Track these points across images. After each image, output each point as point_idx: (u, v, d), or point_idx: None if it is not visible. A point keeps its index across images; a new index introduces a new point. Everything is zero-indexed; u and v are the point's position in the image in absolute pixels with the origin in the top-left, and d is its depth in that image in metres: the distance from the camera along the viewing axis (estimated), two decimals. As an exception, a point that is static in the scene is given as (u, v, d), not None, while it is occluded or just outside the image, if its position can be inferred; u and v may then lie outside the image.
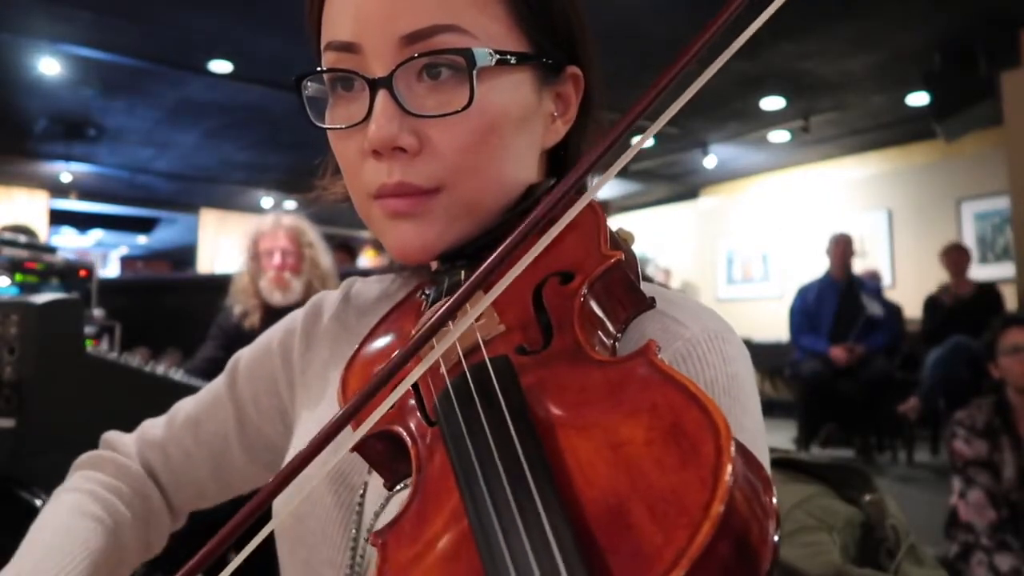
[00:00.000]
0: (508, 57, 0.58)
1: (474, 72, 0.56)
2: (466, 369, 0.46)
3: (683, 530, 0.30)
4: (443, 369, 0.47)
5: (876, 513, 1.08)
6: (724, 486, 0.30)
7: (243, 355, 0.84)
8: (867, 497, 1.10)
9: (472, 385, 0.44)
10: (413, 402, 0.49)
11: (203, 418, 0.82)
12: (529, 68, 0.61)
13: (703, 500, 0.30)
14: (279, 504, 0.62)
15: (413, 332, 0.55)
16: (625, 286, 0.52)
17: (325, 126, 0.62)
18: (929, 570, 1.07)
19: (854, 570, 0.99)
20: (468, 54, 0.56)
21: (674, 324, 0.58)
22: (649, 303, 0.54)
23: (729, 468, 0.31)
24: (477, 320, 0.51)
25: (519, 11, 0.60)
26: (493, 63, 0.57)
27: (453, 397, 0.44)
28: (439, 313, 0.42)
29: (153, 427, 0.85)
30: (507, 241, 0.42)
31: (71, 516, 0.73)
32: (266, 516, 0.42)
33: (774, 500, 0.33)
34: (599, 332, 0.49)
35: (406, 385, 0.41)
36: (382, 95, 0.56)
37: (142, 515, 0.79)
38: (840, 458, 5.28)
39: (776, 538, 0.32)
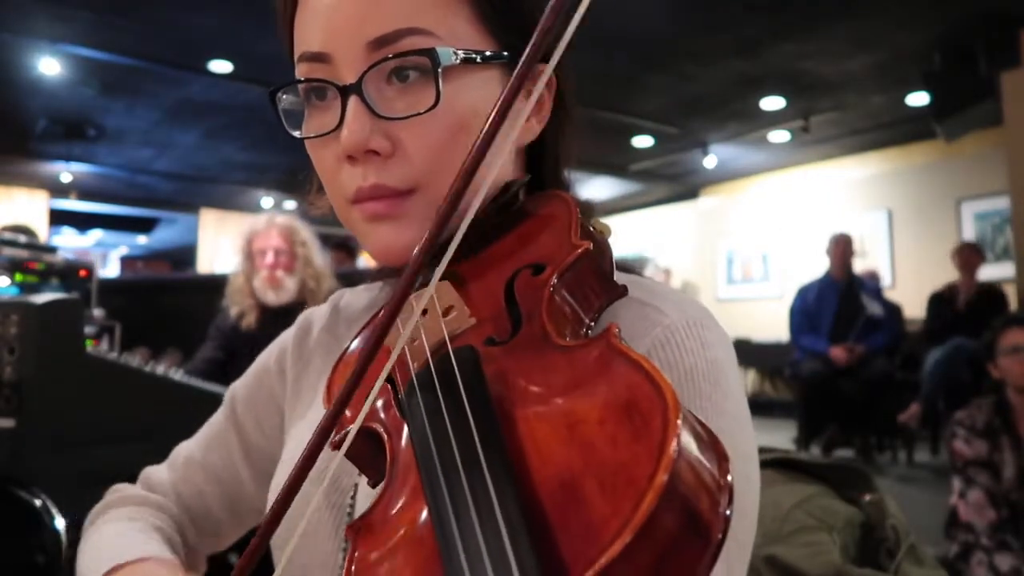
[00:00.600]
0: (474, 56, 0.59)
1: (439, 71, 0.57)
2: (430, 361, 0.47)
3: (628, 501, 0.31)
4: (412, 364, 0.49)
5: (876, 513, 1.08)
6: (668, 457, 0.31)
7: (238, 386, 0.84)
8: (867, 497, 1.10)
9: (435, 374, 0.45)
10: (390, 396, 0.50)
11: (208, 454, 0.82)
12: (497, 66, 0.62)
13: (648, 471, 0.31)
14: (282, 534, 0.62)
15: (375, 323, 0.57)
16: (595, 275, 0.53)
17: (301, 136, 0.63)
18: (929, 570, 1.07)
19: (854, 570, 0.99)
20: (432, 54, 0.57)
21: (653, 312, 0.58)
22: (621, 291, 0.55)
23: (675, 440, 0.32)
24: (447, 315, 0.52)
25: (484, 11, 0.61)
26: (458, 62, 0.58)
27: (416, 388, 0.45)
28: (393, 296, 0.43)
29: (156, 472, 0.84)
30: (441, 207, 0.43)
31: (128, 531, 0.71)
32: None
33: (728, 476, 0.34)
34: (570, 321, 0.50)
35: (379, 385, 0.42)
36: (353, 100, 0.58)
37: (183, 538, 0.78)
38: (840, 458, 5.28)
39: (728, 512, 0.32)
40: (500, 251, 0.59)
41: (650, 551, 0.30)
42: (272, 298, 2.86)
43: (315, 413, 0.72)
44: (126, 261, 13.71)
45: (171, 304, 3.84)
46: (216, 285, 3.03)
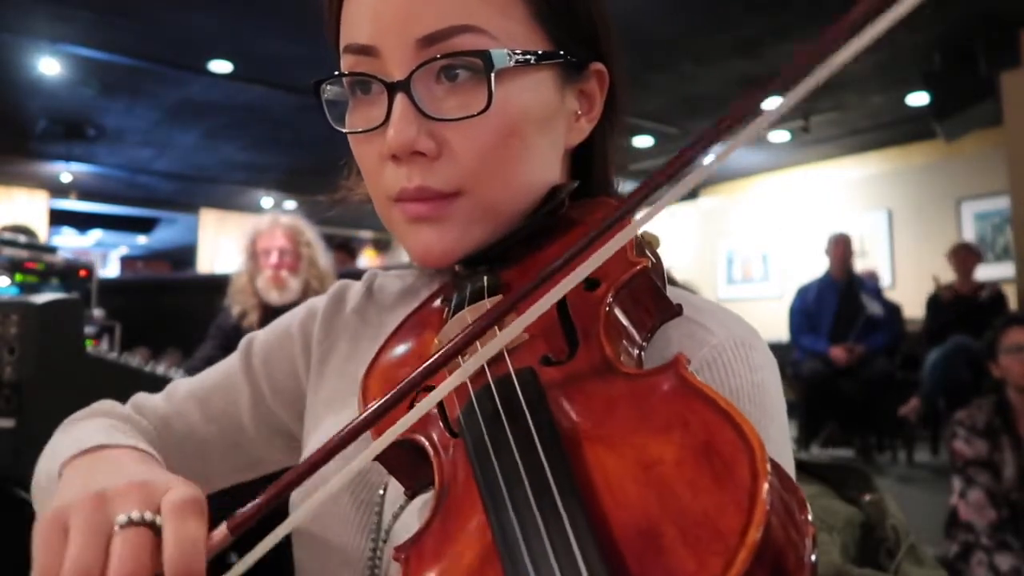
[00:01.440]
0: (527, 57, 0.57)
1: (492, 74, 0.55)
2: (491, 381, 0.44)
3: (718, 556, 0.28)
4: (466, 380, 0.46)
5: (876, 513, 1.08)
6: (761, 511, 0.29)
7: (258, 336, 0.81)
8: (867, 497, 1.10)
9: (497, 399, 0.42)
10: (436, 412, 0.48)
11: (212, 394, 0.79)
12: (550, 67, 0.60)
13: (739, 525, 0.29)
14: (296, 499, 0.61)
15: (436, 347, 0.54)
16: (651, 293, 0.51)
17: (345, 130, 0.61)
18: (929, 570, 1.07)
19: (854, 570, 0.99)
20: (485, 56, 0.55)
21: (700, 330, 0.57)
22: (676, 310, 0.52)
23: (766, 490, 0.30)
24: (500, 328, 0.50)
25: (539, 9, 0.59)
26: (512, 64, 0.56)
27: (478, 411, 0.43)
28: (467, 333, 0.41)
29: (149, 399, 0.80)
30: (548, 267, 0.41)
31: (110, 427, 0.67)
32: (278, 518, 0.42)
33: (809, 517, 0.32)
34: (624, 341, 0.48)
35: (431, 403, 0.40)
36: (400, 98, 0.56)
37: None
38: (840, 458, 5.28)
39: (813, 558, 0.31)
40: (550, 259, 0.57)
41: None
42: (275, 298, 2.86)
43: (343, 406, 0.70)
44: (126, 261, 13.70)
45: (171, 304, 3.84)
46: (216, 285, 3.04)
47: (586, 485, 0.35)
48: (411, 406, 0.42)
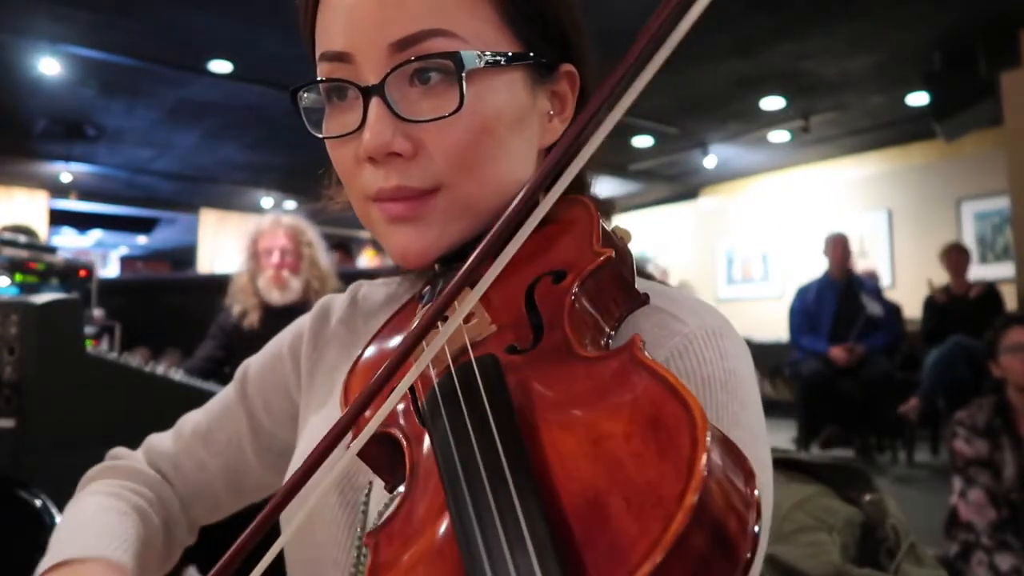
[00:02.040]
0: (497, 58, 0.58)
1: (463, 75, 0.56)
2: (452, 369, 0.46)
3: (657, 521, 0.30)
4: (432, 371, 0.48)
5: (876, 513, 1.08)
6: (698, 476, 0.30)
7: (252, 363, 0.84)
8: (867, 497, 1.10)
9: (457, 384, 0.44)
10: (409, 404, 0.49)
11: (214, 428, 0.82)
12: (521, 68, 0.61)
13: (677, 491, 0.30)
14: (286, 518, 0.62)
15: (403, 335, 0.56)
16: (617, 283, 0.53)
17: (321, 136, 0.63)
18: (929, 570, 1.07)
19: (854, 570, 0.99)
20: (456, 57, 0.56)
21: (672, 320, 0.58)
22: (643, 299, 0.54)
23: (704, 458, 0.31)
24: (468, 321, 0.51)
25: (508, 12, 0.60)
26: (482, 65, 0.57)
27: (439, 397, 0.45)
28: (426, 315, 0.42)
29: (160, 441, 0.84)
30: (489, 235, 0.42)
31: (106, 512, 0.71)
32: (275, 529, 0.43)
33: (756, 492, 0.33)
34: (591, 330, 0.49)
35: (400, 392, 0.42)
36: (375, 102, 0.57)
37: (165, 522, 0.78)
38: (840, 458, 5.27)
39: (756, 529, 0.32)
40: (520, 256, 0.58)
41: (679, 572, 0.29)
42: (276, 298, 2.86)
43: (330, 410, 0.72)
44: (126, 261, 13.70)
45: (171, 304, 3.84)
46: (216, 285, 3.04)
47: (540, 462, 0.37)
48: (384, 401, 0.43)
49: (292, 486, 0.41)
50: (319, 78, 0.61)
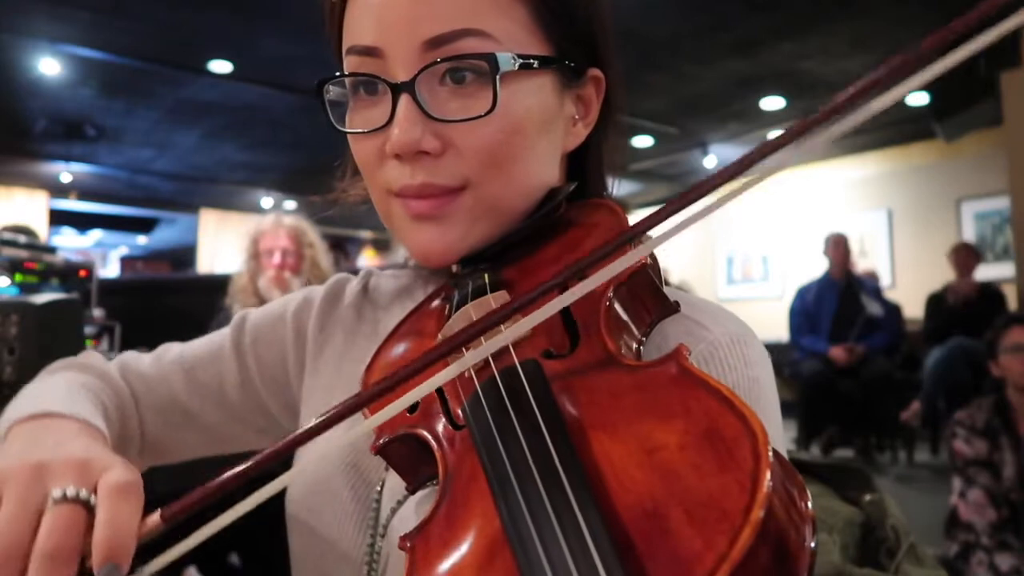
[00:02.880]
0: (531, 61, 0.58)
1: (498, 77, 0.56)
2: (496, 373, 0.45)
3: (723, 535, 0.29)
4: (470, 373, 0.47)
5: (876, 513, 1.08)
6: (764, 490, 0.30)
7: (251, 315, 0.81)
8: (867, 497, 1.10)
9: (503, 389, 0.43)
10: (438, 406, 0.49)
11: (199, 365, 0.78)
12: (551, 71, 0.61)
13: (743, 505, 0.30)
14: (294, 475, 0.61)
15: (441, 337, 0.55)
16: (650, 290, 0.52)
17: (347, 130, 0.62)
18: (929, 570, 1.07)
19: (854, 570, 0.99)
20: (492, 59, 0.56)
21: (696, 327, 0.58)
22: (674, 307, 0.54)
23: (768, 472, 0.31)
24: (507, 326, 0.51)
25: (541, 15, 0.60)
26: (516, 67, 0.57)
27: (484, 402, 0.44)
28: (474, 325, 0.41)
29: (136, 359, 0.80)
30: (560, 273, 0.42)
31: (78, 389, 0.67)
32: (272, 505, 0.42)
33: (809, 505, 0.33)
34: (624, 335, 0.49)
35: (432, 387, 0.41)
36: (405, 99, 0.57)
37: (119, 433, 0.72)
38: (840, 458, 5.27)
39: (813, 544, 0.32)
40: (548, 260, 0.57)
41: None
42: (277, 298, 2.86)
43: (339, 399, 0.71)
44: (126, 261, 13.70)
45: (171, 304, 3.83)
46: (216, 285, 3.03)
47: (592, 471, 0.36)
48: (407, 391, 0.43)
49: (303, 437, 0.40)
50: (346, 72, 0.61)
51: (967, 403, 2.74)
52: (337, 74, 0.61)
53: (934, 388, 5.07)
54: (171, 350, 0.81)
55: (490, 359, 0.46)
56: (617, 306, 0.49)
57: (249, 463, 0.41)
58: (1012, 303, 5.30)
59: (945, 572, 1.07)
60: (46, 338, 1.57)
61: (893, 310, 5.63)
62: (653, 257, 0.54)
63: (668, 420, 0.36)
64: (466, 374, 0.47)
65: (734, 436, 0.33)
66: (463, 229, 0.59)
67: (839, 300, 5.55)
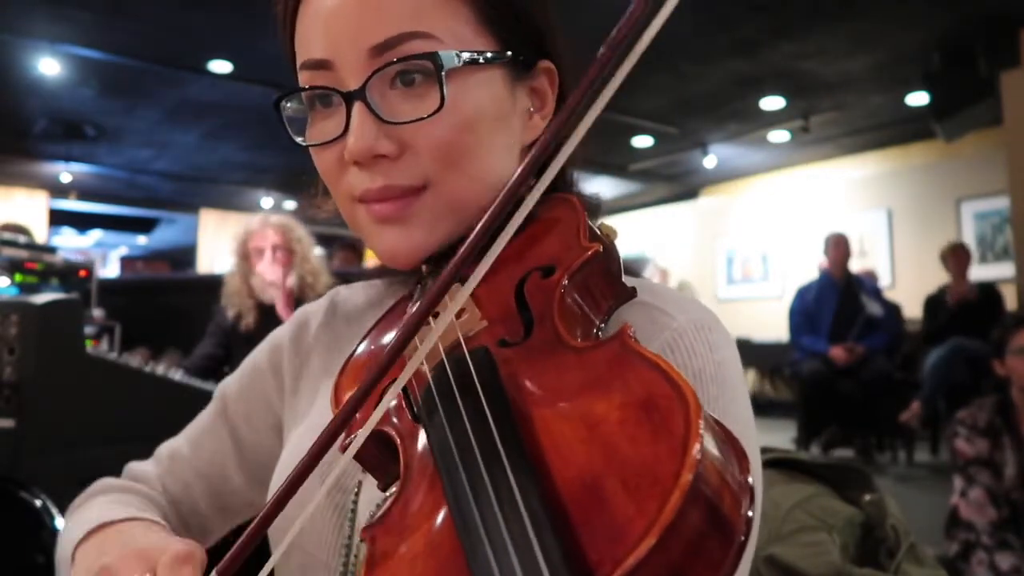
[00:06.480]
0: (476, 57, 0.59)
1: (443, 74, 0.57)
2: (446, 362, 0.47)
3: (654, 500, 0.31)
4: (426, 367, 0.48)
5: (876, 513, 1.08)
6: (692, 456, 0.31)
7: (229, 383, 0.83)
8: (867, 497, 1.10)
9: (452, 377, 0.45)
10: (402, 401, 0.50)
11: (195, 449, 0.80)
12: (500, 66, 0.62)
13: (672, 470, 0.31)
14: (279, 527, 0.62)
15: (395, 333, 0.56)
16: (605, 277, 0.54)
17: (306, 143, 0.63)
18: (929, 570, 1.07)
19: (854, 570, 0.99)
20: (435, 58, 0.57)
21: (661, 315, 0.59)
22: (630, 293, 0.55)
23: (698, 439, 0.32)
24: (458, 317, 0.52)
25: (485, 12, 0.61)
26: (461, 64, 0.58)
27: (434, 389, 0.45)
28: (417, 311, 0.42)
29: (140, 466, 0.82)
30: (475, 231, 0.43)
31: (118, 501, 0.70)
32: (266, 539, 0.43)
33: (750, 477, 0.34)
34: (581, 323, 0.50)
35: (396, 390, 0.42)
36: (358, 107, 0.58)
37: (177, 521, 0.78)
38: (840, 458, 5.27)
39: (750, 513, 0.33)
40: (507, 253, 0.58)
41: (675, 551, 0.30)
42: (272, 296, 2.87)
43: (318, 414, 0.72)
44: (126, 261, 13.69)
45: (171, 304, 3.84)
46: (216, 285, 3.04)
47: (535, 449, 0.38)
48: (379, 400, 0.44)
49: (284, 492, 0.41)
50: (301, 87, 0.62)
51: (967, 403, 2.74)
52: (291, 90, 0.63)
53: (934, 388, 5.07)
54: (164, 448, 0.83)
55: (442, 352, 0.48)
56: (572, 294, 0.51)
57: (267, 506, 0.42)
58: (1011, 303, 5.30)
59: (945, 572, 1.07)
60: (46, 338, 1.57)
61: (893, 310, 5.63)
62: (611, 246, 0.55)
63: (608, 395, 0.38)
64: (423, 368, 0.48)
65: (668, 406, 0.34)
66: (427, 228, 0.60)
67: (839, 300, 5.55)
